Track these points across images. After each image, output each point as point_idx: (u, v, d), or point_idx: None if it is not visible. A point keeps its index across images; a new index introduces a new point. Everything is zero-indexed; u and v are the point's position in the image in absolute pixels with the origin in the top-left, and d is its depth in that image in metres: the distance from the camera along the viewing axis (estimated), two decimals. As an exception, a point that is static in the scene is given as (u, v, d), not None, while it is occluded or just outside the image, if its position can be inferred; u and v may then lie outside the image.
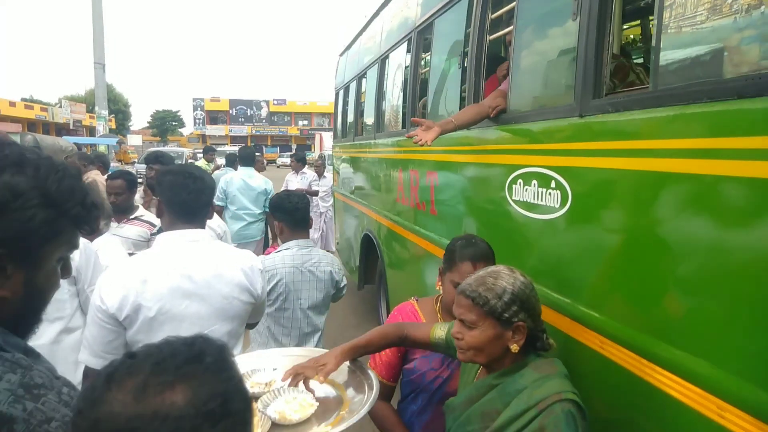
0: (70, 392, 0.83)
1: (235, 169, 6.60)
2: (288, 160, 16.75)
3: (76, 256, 2.20)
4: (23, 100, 38.30)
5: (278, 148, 51.56)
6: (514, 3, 2.42)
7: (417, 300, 2.08)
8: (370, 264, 5.57)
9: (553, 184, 2.01)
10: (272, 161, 47.22)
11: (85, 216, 0.89)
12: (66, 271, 0.94)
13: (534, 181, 2.14)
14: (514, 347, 1.49)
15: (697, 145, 1.38)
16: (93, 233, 0.78)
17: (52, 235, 0.85)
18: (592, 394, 1.86)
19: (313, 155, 27.54)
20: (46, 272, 0.88)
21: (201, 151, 16.19)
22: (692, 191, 1.40)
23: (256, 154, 6.19)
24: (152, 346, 0.72)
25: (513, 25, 2.40)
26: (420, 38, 3.82)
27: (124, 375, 0.68)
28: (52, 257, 0.87)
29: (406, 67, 4.18)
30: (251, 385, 1.58)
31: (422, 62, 3.90)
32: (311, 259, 2.86)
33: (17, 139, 6.22)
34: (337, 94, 7.47)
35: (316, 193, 8.37)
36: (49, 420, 0.77)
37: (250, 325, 2.22)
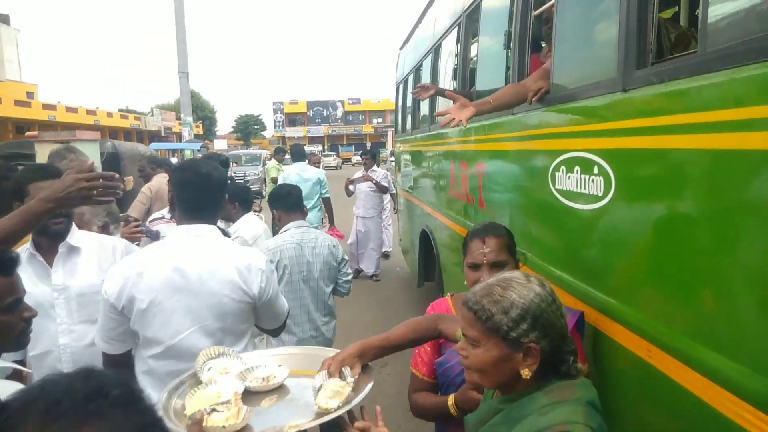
0: None
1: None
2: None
3: (117, 256, 2.26)
4: (120, 110, 41.41)
5: (353, 147, 52.35)
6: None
7: (452, 296, 1.97)
8: (429, 260, 5.42)
9: (595, 170, 1.79)
10: (348, 160, 48.02)
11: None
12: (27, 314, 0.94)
13: (576, 168, 1.92)
14: (526, 372, 1.20)
15: (759, 115, 1.13)
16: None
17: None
18: (637, 409, 1.63)
19: (386, 152, 27.62)
20: None
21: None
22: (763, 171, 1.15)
23: (314, 151, 7.14)
24: (34, 388, 0.61)
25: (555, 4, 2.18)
26: (469, 22, 3.63)
27: None
28: None
29: (456, 55, 4.00)
30: (250, 380, 1.52)
31: (471, 47, 3.70)
32: (309, 236, 3.19)
33: (97, 146, 6.64)
34: (397, 89, 7.37)
35: (385, 189, 7.76)
36: None
37: (271, 332, 2.17)
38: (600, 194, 1.76)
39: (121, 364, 1.84)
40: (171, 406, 1.42)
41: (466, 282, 1.79)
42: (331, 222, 7.69)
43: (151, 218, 4.06)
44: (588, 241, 1.91)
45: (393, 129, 25.88)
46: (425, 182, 5.20)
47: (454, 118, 2.07)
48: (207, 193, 1.87)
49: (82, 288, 2.15)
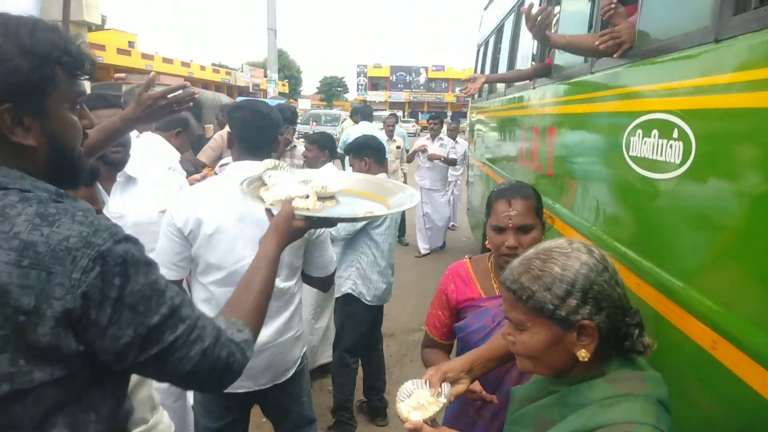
0: (85, 214, 0.89)
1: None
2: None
3: None
4: (213, 65, 43.08)
5: (436, 114, 51.69)
6: None
7: (471, 258, 1.83)
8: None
9: (675, 134, 1.57)
10: (425, 128, 47.42)
11: (74, 62, 0.93)
12: (87, 123, 1.02)
13: (654, 131, 1.70)
14: (583, 354, 1.05)
15: None
16: (91, 79, 0.92)
17: (50, 85, 0.90)
18: (706, 410, 1.46)
19: (466, 122, 26.90)
20: (62, 121, 0.94)
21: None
22: None
23: (384, 115, 7.78)
24: None
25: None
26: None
27: None
28: (60, 106, 0.93)
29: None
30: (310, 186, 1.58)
31: (555, 3, 3.41)
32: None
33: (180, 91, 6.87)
34: (477, 52, 7.06)
35: (453, 162, 7.38)
36: (66, 238, 0.84)
37: (320, 284, 2.18)
38: (677, 161, 1.55)
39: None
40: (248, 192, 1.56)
41: (487, 243, 1.67)
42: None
43: (220, 163, 4.18)
44: (658, 215, 1.71)
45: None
46: (497, 151, 4.98)
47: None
48: (265, 131, 1.95)
49: (138, 218, 2.20)
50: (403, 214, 7.50)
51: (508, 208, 1.58)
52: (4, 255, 0.81)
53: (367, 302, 3.19)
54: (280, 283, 1.93)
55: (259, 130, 1.94)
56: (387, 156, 7.16)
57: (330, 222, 1.64)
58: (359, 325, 3.24)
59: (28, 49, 0.87)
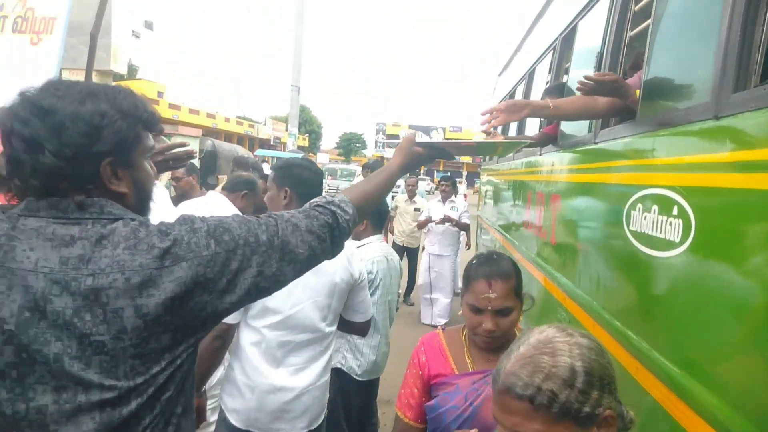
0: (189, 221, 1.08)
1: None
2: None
3: None
4: (237, 117, 44.41)
5: (449, 174, 52.17)
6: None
7: (443, 330, 1.72)
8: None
9: (675, 211, 1.50)
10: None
11: (152, 119, 1.10)
12: (154, 172, 1.18)
13: (654, 207, 1.63)
14: None
15: None
16: (161, 133, 1.21)
17: (136, 140, 1.06)
18: None
19: (480, 183, 27.06)
20: (143, 170, 1.10)
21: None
22: None
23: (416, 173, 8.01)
24: None
25: (651, 16, 1.91)
26: (564, 46, 3.38)
27: None
28: (141, 158, 1.09)
29: (546, 82, 3.74)
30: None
31: (563, 72, 3.44)
32: (388, 249, 3.21)
33: (197, 142, 7.04)
34: (491, 116, 7.14)
35: (466, 227, 6.82)
36: (195, 231, 1.05)
37: (359, 329, 2.39)
38: (677, 240, 1.47)
39: (230, 335, 2.03)
40: None
41: (461, 313, 1.57)
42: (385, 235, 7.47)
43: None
44: (662, 298, 1.61)
45: (490, 159, 25.59)
46: (502, 212, 4.93)
47: (493, 118, 1.87)
48: (320, 187, 2.18)
49: None
50: (411, 274, 7.35)
51: (488, 289, 1.49)
52: (153, 261, 0.97)
53: (357, 377, 3.01)
54: (325, 327, 2.10)
55: (318, 187, 2.15)
56: (404, 218, 7.17)
57: (446, 153, 1.68)
58: (350, 401, 3.06)
59: (126, 112, 1.03)
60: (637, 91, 1.91)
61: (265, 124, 45.11)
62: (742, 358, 1.22)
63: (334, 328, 2.19)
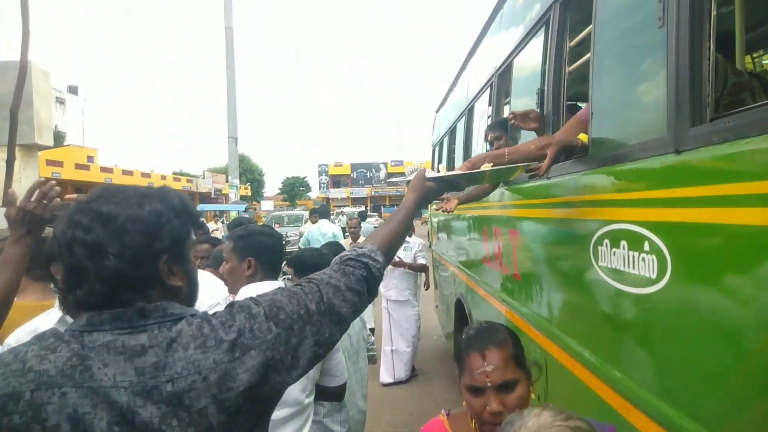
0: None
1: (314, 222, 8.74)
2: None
3: None
4: (174, 173, 43.31)
5: (395, 207, 52.66)
6: (590, 27, 1.97)
7: (448, 414, 1.54)
8: (466, 332, 5.03)
9: (646, 246, 1.48)
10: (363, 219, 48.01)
11: (196, 219, 1.16)
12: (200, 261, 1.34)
13: (623, 242, 1.61)
14: None
15: None
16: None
17: (187, 236, 1.11)
18: None
19: (428, 213, 27.32)
20: (191, 263, 1.14)
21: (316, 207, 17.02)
22: None
23: (357, 216, 8.36)
24: None
25: (591, 51, 1.95)
26: (501, 82, 3.45)
27: None
28: (189, 251, 1.14)
29: (488, 117, 3.80)
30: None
31: (503, 108, 3.50)
32: None
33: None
34: (433, 151, 7.24)
35: (423, 269, 6.34)
36: (254, 317, 1.09)
37: (333, 395, 2.32)
38: (653, 276, 1.44)
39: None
40: None
41: (465, 404, 1.41)
42: None
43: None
44: (640, 336, 1.58)
45: (434, 190, 25.86)
46: (459, 247, 4.91)
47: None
48: (282, 253, 2.26)
49: None
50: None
51: (483, 362, 1.33)
52: (225, 355, 1.01)
53: None
54: (305, 399, 2.03)
55: (282, 253, 2.24)
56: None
57: (456, 185, 1.78)
58: None
59: (178, 210, 1.09)
60: (584, 136, 1.92)
61: (204, 178, 44.14)
62: (729, 394, 1.18)
63: (312, 397, 2.12)
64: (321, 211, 8.60)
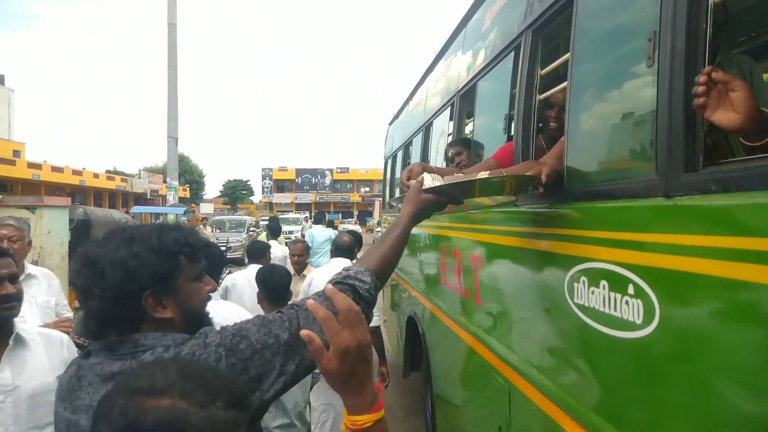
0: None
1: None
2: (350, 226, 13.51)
3: None
4: (107, 172, 41.23)
5: (340, 215, 52.40)
6: (567, 56, 1.94)
7: None
8: (416, 349, 4.96)
9: (631, 290, 1.44)
10: (335, 227, 47.76)
11: (193, 251, 1.19)
12: (210, 288, 1.35)
13: (603, 282, 1.57)
14: None
15: None
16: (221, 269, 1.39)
17: (176, 270, 1.15)
18: None
19: (373, 221, 27.23)
20: (189, 294, 1.18)
21: (266, 219, 16.50)
22: None
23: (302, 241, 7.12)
24: None
25: (568, 80, 1.91)
26: (463, 102, 3.41)
27: None
28: (187, 283, 1.17)
29: (449, 134, 3.76)
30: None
31: (465, 128, 3.46)
32: None
33: (66, 212, 6.25)
34: (386, 163, 7.17)
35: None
36: (206, 345, 1.13)
37: None
38: (639, 321, 1.40)
39: None
40: None
41: None
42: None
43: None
44: (620, 379, 1.53)
45: (380, 199, 26.08)
46: (414, 264, 4.83)
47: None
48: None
49: (35, 388, 1.81)
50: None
51: None
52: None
53: None
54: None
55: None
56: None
57: (455, 198, 1.67)
58: None
59: (158, 249, 1.13)
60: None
61: (139, 177, 42.27)
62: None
63: None
64: (272, 229, 7.86)
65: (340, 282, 1.30)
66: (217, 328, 1.22)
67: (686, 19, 1.27)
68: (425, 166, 1.95)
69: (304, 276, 4.73)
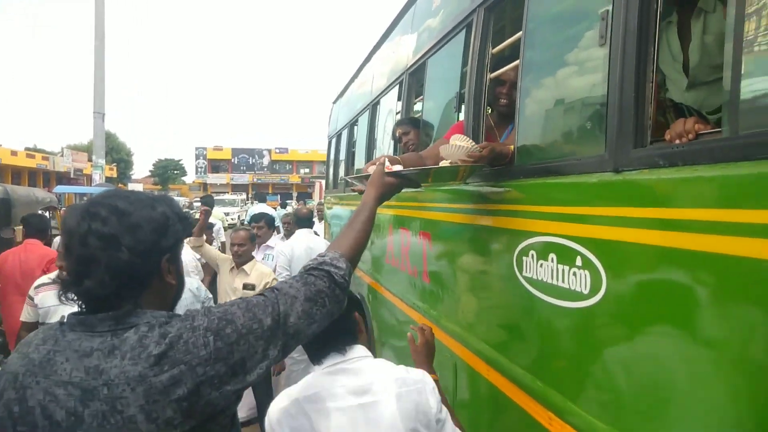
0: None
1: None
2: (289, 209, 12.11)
3: None
4: (27, 149, 38.46)
5: (279, 196, 51.66)
6: (519, 34, 1.97)
7: None
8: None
9: (578, 261, 1.50)
10: (273, 208, 46.87)
11: (189, 223, 1.28)
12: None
13: (552, 255, 1.62)
14: None
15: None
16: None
17: (184, 236, 1.24)
18: None
19: (313, 203, 26.90)
20: (180, 261, 1.26)
21: (198, 199, 16.01)
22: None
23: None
24: None
25: (520, 58, 1.95)
26: (412, 80, 3.41)
27: None
28: (180, 250, 1.25)
29: (397, 113, 3.75)
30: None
31: (414, 107, 3.46)
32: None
33: (-16, 191, 5.78)
34: (329, 143, 7.08)
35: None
36: (194, 329, 1.12)
37: None
38: (586, 291, 1.46)
39: None
40: None
41: None
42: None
43: (36, 284, 3.39)
44: (567, 348, 1.60)
45: (321, 180, 25.71)
46: (368, 252, 4.82)
47: None
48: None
49: None
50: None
51: None
52: (149, 369, 1.04)
53: None
54: None
55: None
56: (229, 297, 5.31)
57: (414, 181, 1.78)
58: None
59: (180, 215, 1.21)
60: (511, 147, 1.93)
61: (62, 155, 39.64)
62: (661, 410, 1.23)
63: None
64: (207, 201, 7.40)
65: (317, 268, 1.33)
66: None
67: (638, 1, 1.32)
68: (391, 157, 2.00)
69: (244, 270, 4.16)
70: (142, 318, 1.11)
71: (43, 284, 3.29)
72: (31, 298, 3.31)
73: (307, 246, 4.78)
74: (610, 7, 1.42)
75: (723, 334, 1.07)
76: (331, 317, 1.31)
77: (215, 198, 33.48)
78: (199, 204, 11.14)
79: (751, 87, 1.02)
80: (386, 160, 1.78)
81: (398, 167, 1.78)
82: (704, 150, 1.13)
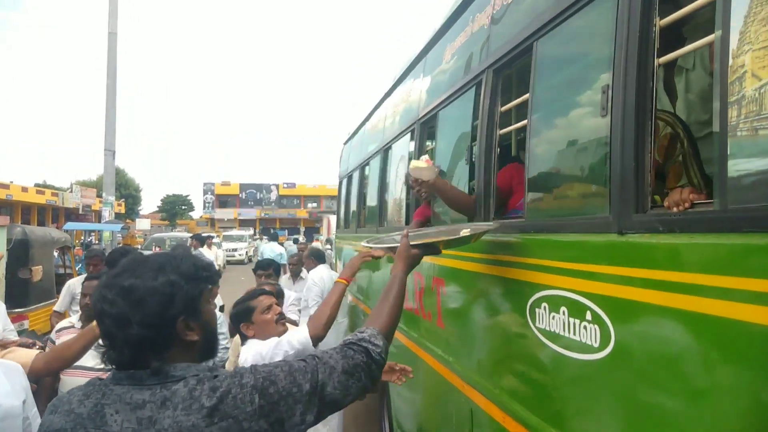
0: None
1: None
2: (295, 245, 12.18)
3: None
4: (36, 185, 39.04)
5: (287, 231, 51.78)
6: (527, 96, 2.12)
7: None
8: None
9: (588, 316, 1.59)
10: (281, 244, 46.94)
11: (212, 277, 1.33)
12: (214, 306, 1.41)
13: (563, 308, 1.72)
14: None
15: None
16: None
17: (199, 294, 1.27)
18: None
19: (321, 238, 26.92)
20: (208, 314, 1.31)
21: (206, 236, 16.23)
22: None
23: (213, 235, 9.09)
24: None
25: (527, 121, 2.09)
26: (423, 130, 3.57)
27: None
28: (205, 305, 1.29)
29: (409, 159, 3.90)
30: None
31: (424, 153, 3.62)
32: None
33: (4, 232, 5.94)
34: (340, 183, 7.26)
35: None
36: (243, 386, 1.23)
37: None
38: (596, 345, 1.56)
39: None
40: None
41: None
42: None
43: (58, 327, 3.48)
44: (575, 397, 1.68)
45: (329, 216, 25.62)
46: (372, 285, 4.92)
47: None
48: None
49: (6, 412, 1.87)
50: None
51: None
52: (202, 420, 1.13)
53: None
54: None
55: None
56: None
57: (435, 249, 2.00)
58: None
59: (188, 276, 1.26)
60: None
61: (71, 192, 40.16)
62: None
63: None
64: (200, 238, 10.17)
65: (356, 343, 1.43)
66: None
67: (636, 77, 1.46)
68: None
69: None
70: (188, 371, 1.21)
71: (64, 328, 3.39)
72: (53, 342, 3.40)
73: (330, 278, 5.33)
74: (609, 82, 1.56)
75: (714, 390, 1.16)
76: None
77: (224, 233, 33.52)
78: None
79: (736, 167, 1.14)
80: (412, 233, 2.01)
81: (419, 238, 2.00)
82: (697, 220, 1.25)
